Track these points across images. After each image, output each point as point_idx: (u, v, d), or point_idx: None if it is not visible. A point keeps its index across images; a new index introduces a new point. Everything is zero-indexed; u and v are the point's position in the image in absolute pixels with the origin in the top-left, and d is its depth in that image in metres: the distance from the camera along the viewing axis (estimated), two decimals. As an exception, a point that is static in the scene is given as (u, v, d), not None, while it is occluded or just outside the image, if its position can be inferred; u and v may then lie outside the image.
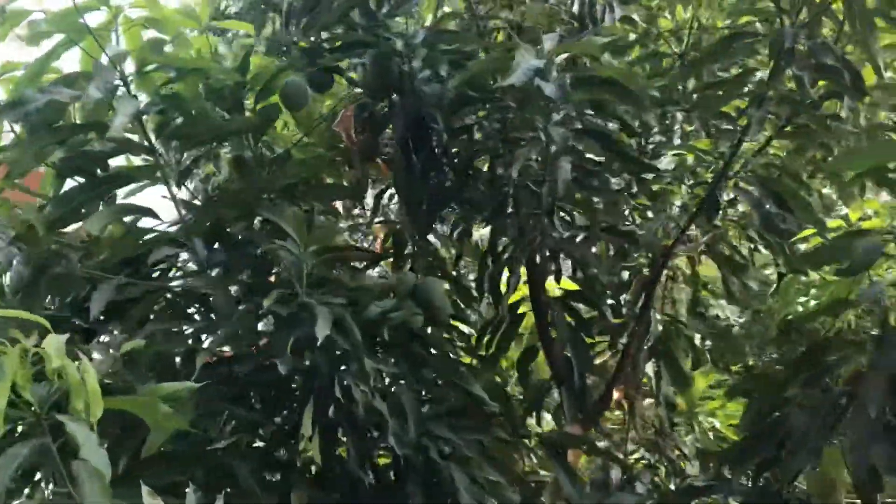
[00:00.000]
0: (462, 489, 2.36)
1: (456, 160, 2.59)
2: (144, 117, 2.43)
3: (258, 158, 2.78)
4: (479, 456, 2.50)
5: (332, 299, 2.18)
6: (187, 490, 1.71)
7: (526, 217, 2.63)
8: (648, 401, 3.33)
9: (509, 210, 2.67)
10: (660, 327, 2.93)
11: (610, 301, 2.83)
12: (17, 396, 1.56)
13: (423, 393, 2.65)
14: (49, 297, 2.57)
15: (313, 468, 2.62)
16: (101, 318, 2.48)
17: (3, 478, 1.42)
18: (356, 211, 4.12)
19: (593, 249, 3.10)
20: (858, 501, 1.95)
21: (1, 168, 2.34)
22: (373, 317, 2.28)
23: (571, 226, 2.73)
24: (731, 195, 2.79)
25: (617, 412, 3.35)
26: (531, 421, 3.26)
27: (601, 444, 2.99)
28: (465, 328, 3.13)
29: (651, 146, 2.84)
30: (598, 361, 3.06)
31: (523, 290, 3.04)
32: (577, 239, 2.74)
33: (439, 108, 2.39)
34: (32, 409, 1.60)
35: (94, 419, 1.45)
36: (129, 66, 2.43)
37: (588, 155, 2.58)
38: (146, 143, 2.40)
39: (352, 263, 2.85)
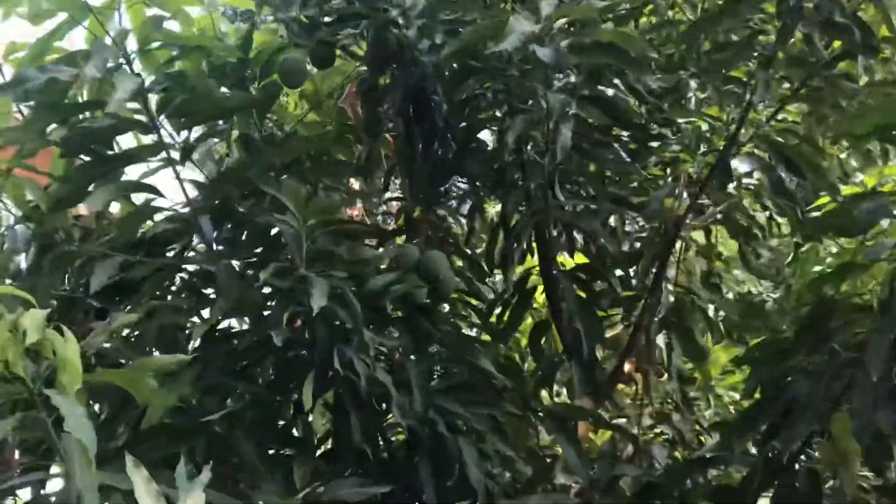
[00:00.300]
0: (470, 462, 2.34)
1: (458, 132, 2.56)
2: (149, 95, 2.45)
3: (266, 138, 2.79)
4: (489, 430, 2.49)
5: (332, 272, 2.17)
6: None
7: (535, 188, 2.60)
8: (666, 376, 3.28)
9: (516, 182, 2.63)
10: (671, 299, 2.88)
11: (620, 273, 2.78)
12: (10, 372, 1.59)
13: (433, 368, 2.65)
14: (67, 277, 2.63)
15: (329, 443, 2.65)
16: (117, 298, 2.53)
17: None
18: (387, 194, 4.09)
19: (611, 220, 3.06)
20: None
21: (10, 149, 2.38)
22: (374, 289, 2.28)
23: (579, 197, 2.69)
24: (746, 162, 2.72)
25: (634, 387, 3.31)
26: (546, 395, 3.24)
27: (615, 418, 2.95)
28: (478, 303, 3.12)
29: (663, 114, 2.77)
30: (610, 334, 3.02)
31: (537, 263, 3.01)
32: (585, 210, 2.68)
33: (439, 78, 2.36)
34: (26, 384, 1.63)
35: (71, 392, 1.46)
36: (133, 44, 2.45)
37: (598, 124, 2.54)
38: (149, 122, 2.40)
39: (366, 241, 2.86)
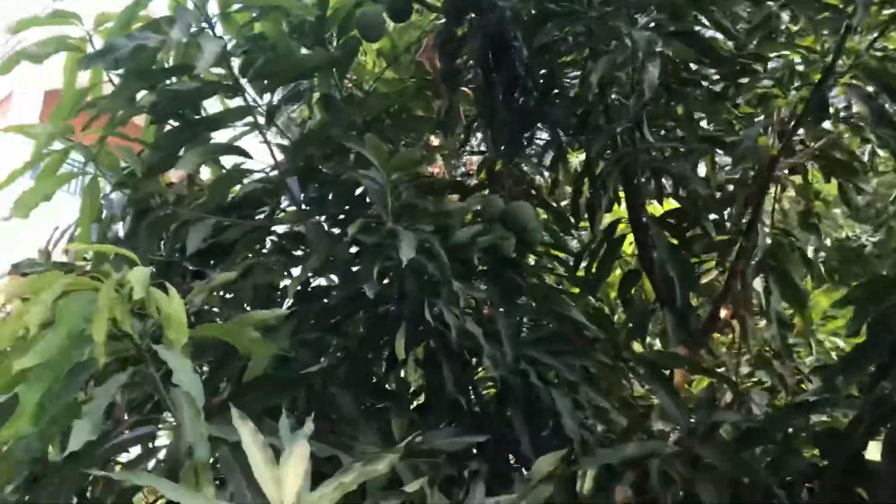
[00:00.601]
0: (564, 413, 2.33)
1: (539, 79, 2.50)
2: (232, 59, 2.47)
3: (346, 97, 2.80)
4: (581, 380, 2.47)
5: (418, 226, 2.18)
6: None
7: (621, 132, 2.53)
8: (764, 322, 3.18)
9: (601, 127, 2.57)
10: (768, 241, 2.77)
11: (714, 216, 2.69)
12: (119, 330, 1.65)
13: (521, 320, 2.64)
14: (162, 242, 2.71)
15: (422, 397, 2.68)
16: (211, 261, 2.60)
17: (104, 400, 1.50)
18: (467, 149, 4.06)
19: (701, 166, 2.97)
20: None
21: (104, 118, 2.45)
22: (461, 242, 2.27)
23: (669, 139, 2.61)
24: (844, 95, 2.58)
25: (730, 335, 3.23)
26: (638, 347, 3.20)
27: (711, 366, 2.87)
28: (564, 256, 3.09)
29: (753, 49, 2.65)
30: (704, 281, 2.94)
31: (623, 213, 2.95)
32: (673, 153, 2.60)
33: (518, 24, 2.31)
34: (133, 341, 1.69)
35: (178, 346, 1.50)
36: (214, 8, 2.47)
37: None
38: (233, 84, 2.43)
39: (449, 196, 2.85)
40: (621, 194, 2.88)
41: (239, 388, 1.96)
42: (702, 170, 3.06)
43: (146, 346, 1.66)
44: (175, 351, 1.56)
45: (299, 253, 2.68)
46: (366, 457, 1.59)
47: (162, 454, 1.99)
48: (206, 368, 2.37)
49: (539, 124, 2.79)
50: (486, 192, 2.99)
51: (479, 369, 2.71)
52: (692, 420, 2.31)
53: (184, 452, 1.71)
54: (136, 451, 2.04)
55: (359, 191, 2.60)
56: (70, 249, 2.52)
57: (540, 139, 3.10)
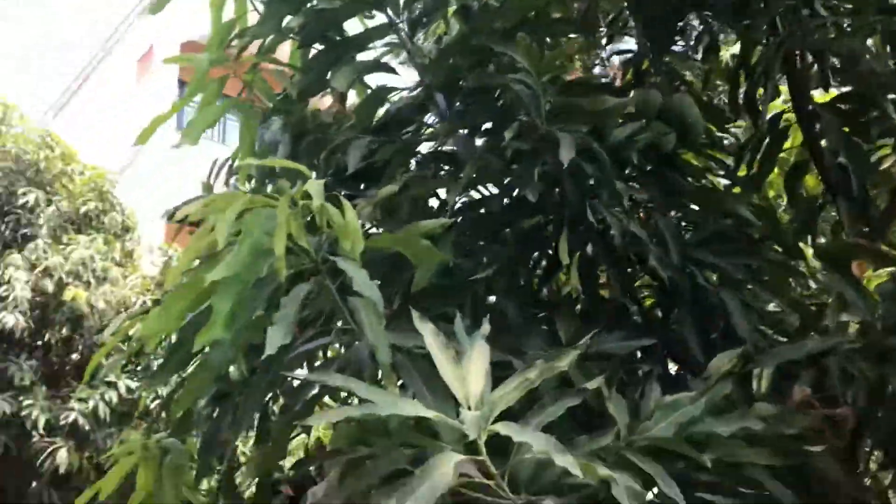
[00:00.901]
0: (735, 314, 2.24)
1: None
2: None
3: (483, 6, 2.73)
4: (749, 280, 2.37)
5: (574, 127, 2.11)
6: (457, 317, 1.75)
7: (783, 13, 2.34)
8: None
9: (760, 10, 2.39)
10: (960, 116, 2.52)
11: (893, 96, 2.47)
12: (295, 244, 1.70)
13: (683, 221, 2.54)
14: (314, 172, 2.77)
15: (578, 307, 2.65)
16: (362, 186, 2.64)
17: (292, 309, 1.56)
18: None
19: (869, 42, 2.71)
20: None
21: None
22: (618, 140, 2.19)
23: (837, 13, 2.39)
24: None
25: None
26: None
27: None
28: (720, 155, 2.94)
29: None
30: (881, 168, 2.73)
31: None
32: (839, 34, 2.38)
33: None
34: (309, 255, 1.73)
35: (355, 255, 1.53)
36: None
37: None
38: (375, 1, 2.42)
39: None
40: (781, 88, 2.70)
41: (408, 298, 1.99)
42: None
43: (322, 259, 1.71)
44: (353, 261, 1.60)
45: (444, 173, 2.67)
46: (547, 354, 1.58)
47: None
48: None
49: (689, 15, 2.63)
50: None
51: (636, 279, 2.65)
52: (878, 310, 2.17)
53: (364, 359, 1.77)
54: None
55: (499, 103, 2.55)
56: (233, 179, 2.61)
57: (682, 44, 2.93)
